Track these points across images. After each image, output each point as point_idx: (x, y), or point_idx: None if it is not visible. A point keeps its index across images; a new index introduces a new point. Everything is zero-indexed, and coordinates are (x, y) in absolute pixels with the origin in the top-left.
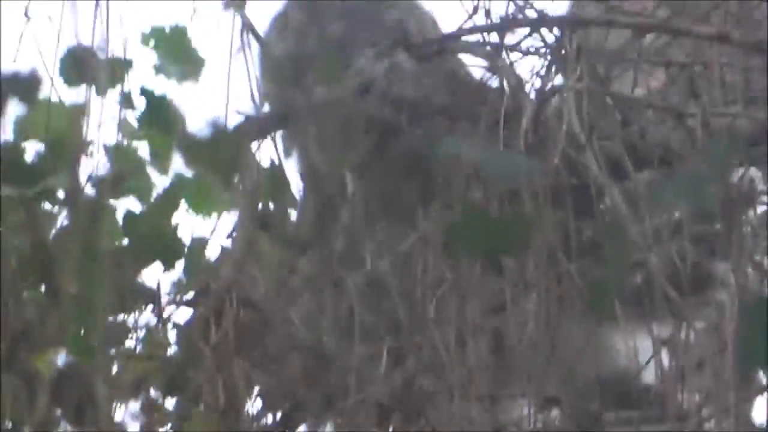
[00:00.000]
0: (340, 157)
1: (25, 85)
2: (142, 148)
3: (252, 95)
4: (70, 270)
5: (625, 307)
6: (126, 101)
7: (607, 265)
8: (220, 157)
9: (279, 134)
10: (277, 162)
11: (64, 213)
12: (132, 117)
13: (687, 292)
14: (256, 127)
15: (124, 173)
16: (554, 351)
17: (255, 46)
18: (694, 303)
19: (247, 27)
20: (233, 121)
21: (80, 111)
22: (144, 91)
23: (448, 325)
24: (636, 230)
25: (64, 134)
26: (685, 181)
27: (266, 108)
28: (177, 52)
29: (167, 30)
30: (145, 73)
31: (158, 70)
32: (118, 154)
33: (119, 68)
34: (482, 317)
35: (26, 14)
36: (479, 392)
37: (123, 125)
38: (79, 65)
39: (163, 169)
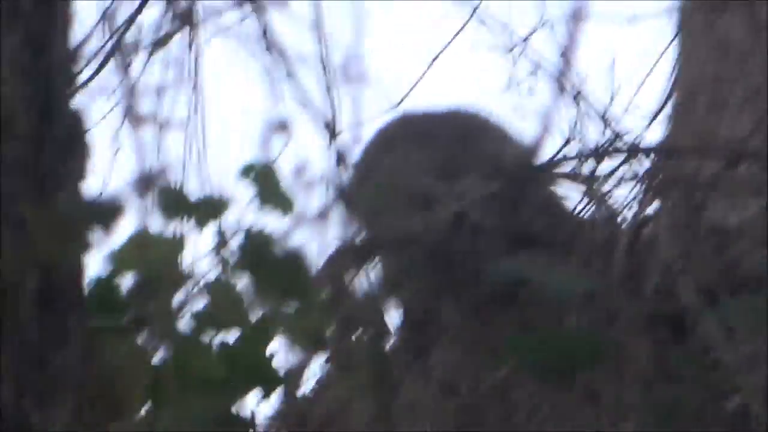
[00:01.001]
0: (432, 288)
1: (105, 213)
2: (241, 283)
3: (344, 224)
4: (165, 402)
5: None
6: (223, 237)
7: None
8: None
9: (374, 263)
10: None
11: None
12: (229, 252)
13: None
14: (350, 256)
15: (222, 308)
16: None
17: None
18: None
19: (342, 156)
20: (328, 250)
21: (178, 244)
22: (241, 228)
23: None
24: (730, 357)
25: (161, 268)
26: None
27: (361, 237)
28: (270, 190)
29: (260, 166)
30: (243, 208)
31: (255, 206)
32: (215, 289)
33: (216, 204)
34: None
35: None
36: None
37: (221, 260)
38: (177, 199)
39: (264, 302)
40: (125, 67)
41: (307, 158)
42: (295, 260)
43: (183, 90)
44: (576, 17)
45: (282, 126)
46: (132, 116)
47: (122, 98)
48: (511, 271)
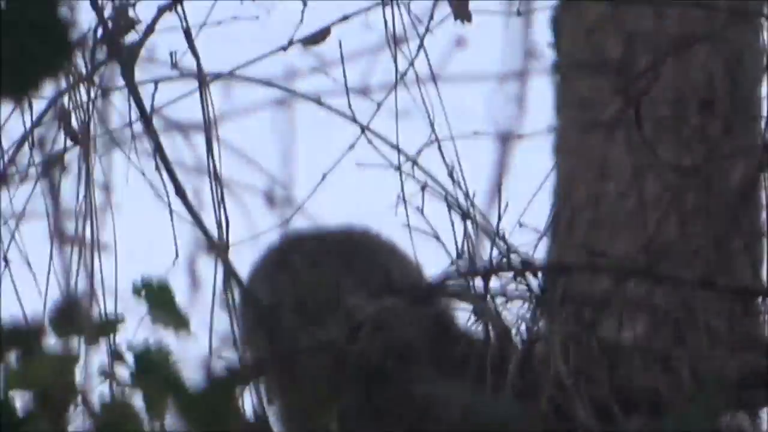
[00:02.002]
0: (326, 404)
1: (27, 337)
2: (136, 399)
3: (235, 342)
4: None
5: None
6: (116, 353)
7: None
8: (212, 409)
9: (262, 382)
10: (260, 411)
11: None
12: (124, 368)
13: None
14: (240, 375)
15: (116, 425)
16: None
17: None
18: None
19: (230, 273)
20: (218, 369)
21: (71, 361)
22: (133, 346)
23: None
24: None
25: (54, 385)
26: (674, 427)
27: (249, 354)
28: (164, 307)
29: (154, 283)
30: (137, 323)
31: (149, 322)
32: (109, 406)
33: (110, 322)
34: None
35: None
36: None
37: (114, 377)
38: (70, 316)
39: (158, 419)
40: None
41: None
42: (187, 381)
43: (78, 207)
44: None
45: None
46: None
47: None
48: (438, 393)
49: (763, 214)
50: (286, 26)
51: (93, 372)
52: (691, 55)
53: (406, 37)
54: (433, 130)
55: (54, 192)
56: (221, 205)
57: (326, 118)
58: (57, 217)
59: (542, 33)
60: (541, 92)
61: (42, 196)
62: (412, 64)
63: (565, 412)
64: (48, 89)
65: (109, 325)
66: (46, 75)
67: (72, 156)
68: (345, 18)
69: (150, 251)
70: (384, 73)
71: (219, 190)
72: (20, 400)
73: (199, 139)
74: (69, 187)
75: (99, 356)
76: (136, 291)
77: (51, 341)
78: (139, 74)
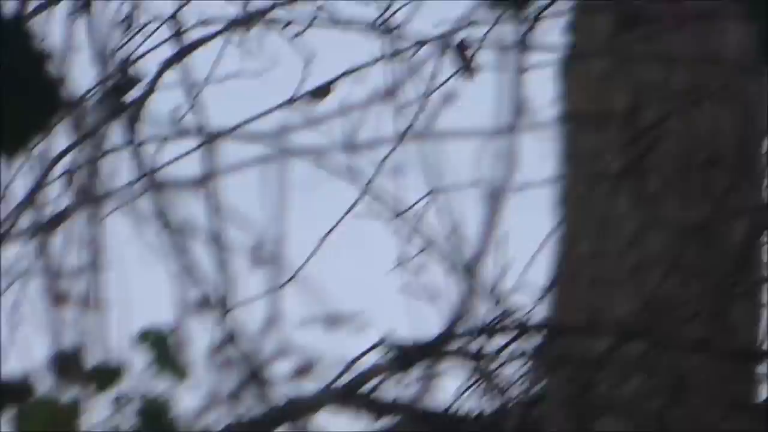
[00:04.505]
0: None
1: (18, 393)
2: None
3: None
4: None
5: None
6: (119, 404)
7: None
8: None
9: None
10: None
11: None
12: (127, 419)
13: None
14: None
15: None
16: None
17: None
18: None
19: (231, 334)
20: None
21: (76, 410)
22: (137, 395)
23: None
24: None
25: None
26: None
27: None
28: (165, 357)
29: (155, 333)
30: (139, 375)
31: (151, 372)
32: None
33: (113, 370)
34: None
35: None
36: None
37: (115, 427)
38: (71, 366)
39: None
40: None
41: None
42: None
43: (86, 266)
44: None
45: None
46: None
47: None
48: None
49: (764, 274)
50: (281, 83)
51: (96, 422)
52: (698, 110)
53: (402, 92)
54: (434, 187)
55: (47, 250)
56: (225, 265)
57: (318, 176)
58: (51, 276)
59: (537, 87)
60: (533, 148)
61: (35, 254)
62: (413, 121)
63: None
64: (49, 148)
65: (112, 374)
66: (33, 133)
67: (75, 215)
68: (348, 73)
69: (147, 311)
70: (372, 129)
71: (221, 252)
72: None
73: (195, 197)
74: (66, 245)
75: (102, 406)
76: (139, 340)
77: (53, 391)
78: (141, 132)
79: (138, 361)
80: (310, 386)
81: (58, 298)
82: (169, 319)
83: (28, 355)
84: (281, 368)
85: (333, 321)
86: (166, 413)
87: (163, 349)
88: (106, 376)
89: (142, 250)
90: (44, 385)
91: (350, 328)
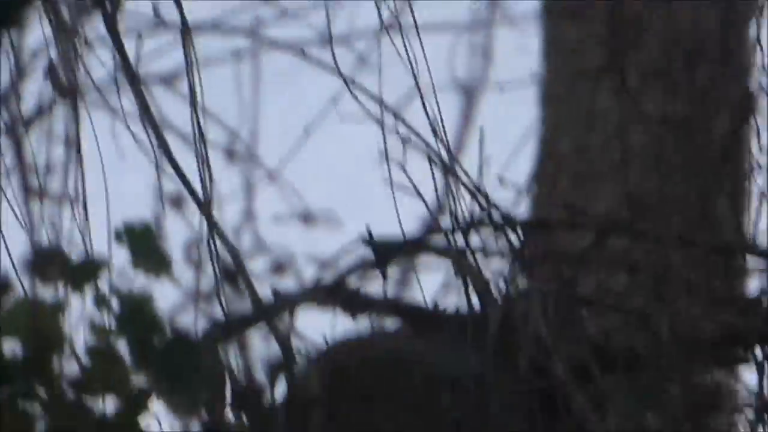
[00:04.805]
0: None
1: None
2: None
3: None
4: None
5: None
6: (101, 301)
7: None
8: (182, 365)
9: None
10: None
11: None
12: (109, 316)
13: None
14: (222, 331)
15: (101, 374)
16: None
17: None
18: None
19: (212, 227)
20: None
21: (58, 309)
22: (118, 291)
23: None
24: None
25: (43, 333)
26: (649, 385)
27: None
28: (146, 250)
29: (137, 228)
30: (121, 270)
31: (131, 267)
32: (95, 354)
33: (93, 265)
34: None
35: None
36: None
37: (97, 325)
38: (53, 262)
39: (142, 364)
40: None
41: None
42: (175, 331)
43: (65, 161)
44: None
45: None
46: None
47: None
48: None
49: (747, 169)
50: None
51: (78, 318)
52: (679, 2)
53: None
54: (417, 82)
55: (24, 146)
56: (206, 161)
57: (293, 70)
58: (25, 171)
59: None
60: (508, 43)
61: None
62: (397, 16)
63: (544, 370)
64: (25, 42)
65: (92, 270)
66: (5, 25)
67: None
68: None
69: (125, 207)
70: (345, 22)
71: (203, 146)
72: (8, 347)
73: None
74: (44, 141)
75: (83, 303)
76: (119, 235)
77: (32, 288)
78: (122, 25)
79: (118, 257)
80: (288, 284)
81: (35, 195)
82: (148, 215)
83: (4, 252)
84: (258, 265)
85: (309, 218)
86: (147, 309)
87: (144, 243)
88: (86, 273)
89: (120, 145)
90: (23, 282)
91: (327, 225)
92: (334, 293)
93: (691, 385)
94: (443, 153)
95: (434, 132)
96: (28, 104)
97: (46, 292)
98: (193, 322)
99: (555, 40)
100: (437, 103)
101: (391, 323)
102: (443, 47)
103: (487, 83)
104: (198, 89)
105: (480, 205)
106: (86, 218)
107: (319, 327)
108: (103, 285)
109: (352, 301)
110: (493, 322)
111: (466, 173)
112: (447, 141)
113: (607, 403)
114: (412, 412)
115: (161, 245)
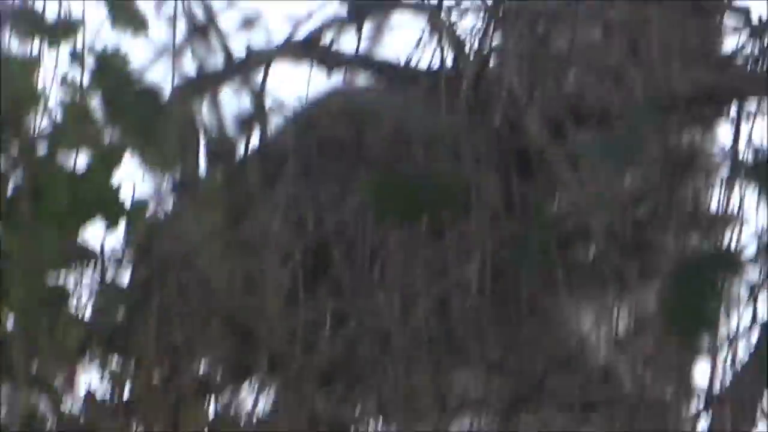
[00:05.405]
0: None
1: None
2: (95, 103)
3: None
4: (19, 229)
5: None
6: (76, 57)
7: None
8: (152, 118)
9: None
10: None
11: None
12: (84, 72)
13: (628, 256)
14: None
15: (74, 128)
16: (497, 316)
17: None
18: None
19: None
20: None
21: (33, 64)
22: (92, 48)
23: (392, 290)
24: (577, 192)
25: (17, 87)
26: (620, 141)
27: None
28: (123, 9)
29: None
30: (97, 28)
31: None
32: (68, 109)
33: (70, 24)
34: (427, 282)
35: None
36: (423, 359)
37: (72, 81)
38: (30, 19)
39: (114, 120)
40: None
41: None
42: (147, 87)
43: None
44: None
45: None
46: None
47: None
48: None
49: None
50: None
51: (53, 76)
52: None
53: None
54: None
55: None
56: None
57: None
58: None
59: None
60: None
61: None
62: None
63: (517, 126)
64: None
65: (69, 28)
66: None
67: None
68: None
69: None
70: None
71: None
72: None
73: None
74: None
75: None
76: None
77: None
78: None
79: (94, 15)
80: (263, 39)
81: None
82: None
83: None
84: (229, 20)
85: None
86: (120, 65)
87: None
88: (63, 30)
89: None
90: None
91: None
92: (308, 48)
93: (666, 143)
94: None
95: None
96: None
97: (21, 49)
98: (165, 78)
99: None
100: None
101: (364, 79)
102: None
103: None
104: None
105: None
106: None
107: (293, 83)
108: (79, 43)
109: (326, 56)
110: (468, 79)
111: None
112: None
113: (581, 158)
114: (382, 165)
115: (134, 4)
